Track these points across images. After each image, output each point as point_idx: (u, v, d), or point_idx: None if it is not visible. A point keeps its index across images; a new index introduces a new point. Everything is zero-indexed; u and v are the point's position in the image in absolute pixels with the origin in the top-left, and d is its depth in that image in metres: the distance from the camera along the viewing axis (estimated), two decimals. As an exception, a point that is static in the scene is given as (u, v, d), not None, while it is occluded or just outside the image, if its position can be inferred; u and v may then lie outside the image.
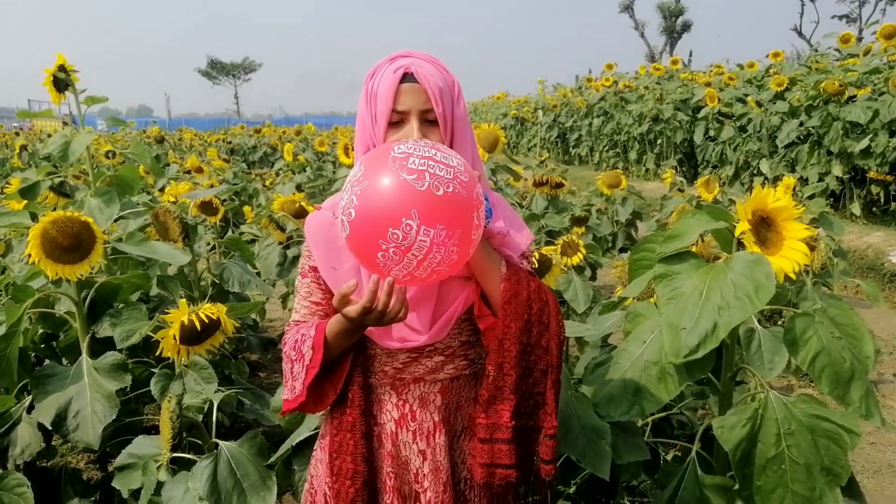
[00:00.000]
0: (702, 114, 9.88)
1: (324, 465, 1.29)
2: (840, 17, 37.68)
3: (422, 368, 1.25)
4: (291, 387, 1.22)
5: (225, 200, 3.56)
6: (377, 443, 1.25)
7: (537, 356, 1.19)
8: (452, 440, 1.28)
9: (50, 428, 1.86)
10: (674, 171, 5.35)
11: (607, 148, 13.31)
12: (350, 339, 1.20)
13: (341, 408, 1.24)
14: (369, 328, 1.18)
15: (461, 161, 1.07)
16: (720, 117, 9.24)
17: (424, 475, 1.24)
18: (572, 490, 1.96)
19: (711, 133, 9.65)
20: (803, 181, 7.06)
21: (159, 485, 1.66)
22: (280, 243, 3.52)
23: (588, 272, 3.23)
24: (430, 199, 1.01)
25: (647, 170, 11.58)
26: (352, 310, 1.08)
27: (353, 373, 1.23)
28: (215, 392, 1.94)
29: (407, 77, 1.14)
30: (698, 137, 9.99)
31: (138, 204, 2.61)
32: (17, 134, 14.73)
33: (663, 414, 1.94)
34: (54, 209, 2.07)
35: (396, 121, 1.16)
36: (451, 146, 1.19)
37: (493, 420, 1.17)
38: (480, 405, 1.18)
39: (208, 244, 3.24)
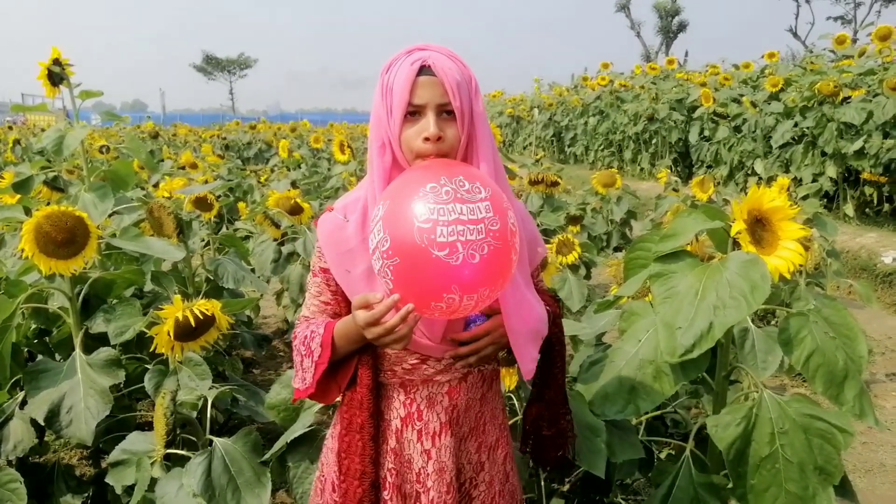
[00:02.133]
0: (697, 114, 9.91)
1: (334, 455, 1.29)
2: (835, 19, 37.79)
3: (431, 370, 1.24)
4: (302, 378, 1.24)
5: (220, 196, 3.55)
6: (381, 438, 1.25)
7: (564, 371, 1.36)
8: (459, 441, 1.28)
9: (43, 424, 1.84)
10: (669, 171, 5.36)
11: (602, 147, 13.32)
12: (355, 344, 1.19)
13: (351, 408, 1.23)
14: None
15: (487, 198, 1.03)
16: (715, 117, 9.27)
17: (428, 475, 1.24)
18: (566, 488, 1.96)
19: (706, 133, 9.68)
20: (797, 182, 7.09)
21: (153, 481, 1.65)
22: (275, 240, 3.51)
23: (583, 271, 3.24)
24: (468, 270, 0.98)
25: (641, 169, 11.60)
26: (362, 314, 1.09)
27: (361, 373, 1.22)
28: (209, 388, 1.93)
29: (424, 70, 1.11)
30: (693, 137, 10.02)
31: (133, 199, 2.60)
32: (10, 128, 14.65)
33: (657, 412, 1.94)
34: (48, 204, 2.05)
35: (412, 111, 1.12)
36: (469, 142, 1.16)
37: (555, 428, 1.37)
38: (545, 421, 1.36)
39: (203, 240, 3.23)
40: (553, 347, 1.31)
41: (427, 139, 1.11)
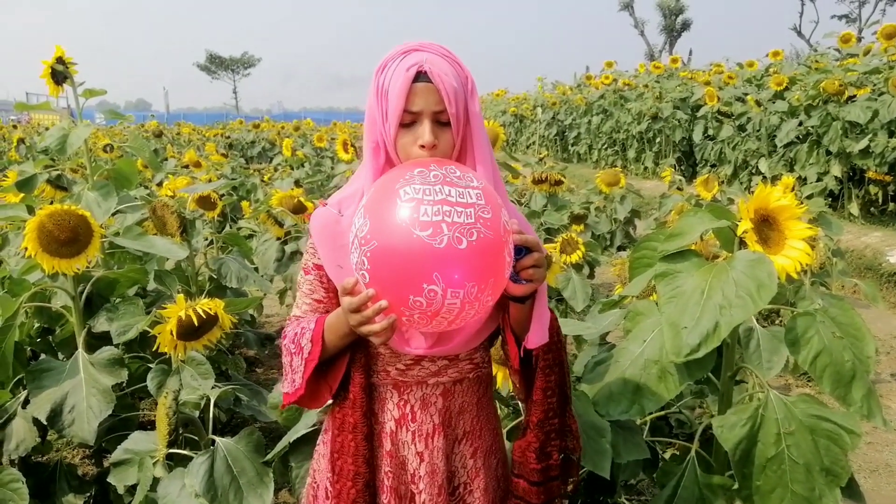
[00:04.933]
0: (701, 112, 9.88)
1: (326, 461, 1.28)
2: (840, 17, 37.61)
3: (424, 372, 1.23)
4: (291, 380, 1.21)
5: (223, 195, 3.55)
6: (377, 441, 1.24)
7: (563, 394, 1.24)
8: (452, 444, 1.27)
9: (45, 423, 1.84)
10: (672, 170, 5.36)
11: (606, 146, 13.30)
12: (345, 338, 1.16)
13: (343, 408, 1.22)
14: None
15: (479, 187, 0.98)
16: (719, 116, 9.24)
17: (420, 477, 1.23)
18: (570, 488, 1.95)
19: (710, 132, 9.64)
20: (802, 181, 7.06)
21: (155, 481, 1.65)
22: (278, 238, 3.51)
23: (587, 270, 3.22)
24: (453, 256, 0.88)
25: (645, 168, 11.58)
26: (347, 299, 1.06)
27: (354, 373, 1.20)
28: (212, 388, 1.93)
29: (420, 76, 1.09)
30: (697, 136, 9.99)
31: (136, 198, 2.59)
32: (14, 127, 14.69)
33: (662, 413, 1.93)
34: (51, 202, 2.05)
35: (408, 122, 1.11)
36: (463, 145, 1.16)
37: (544, 463, 1.22)
38: (532, 453, 1.22)
39: (206, 239, 3.23)
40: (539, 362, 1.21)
41: (423, 146, 1.10)
